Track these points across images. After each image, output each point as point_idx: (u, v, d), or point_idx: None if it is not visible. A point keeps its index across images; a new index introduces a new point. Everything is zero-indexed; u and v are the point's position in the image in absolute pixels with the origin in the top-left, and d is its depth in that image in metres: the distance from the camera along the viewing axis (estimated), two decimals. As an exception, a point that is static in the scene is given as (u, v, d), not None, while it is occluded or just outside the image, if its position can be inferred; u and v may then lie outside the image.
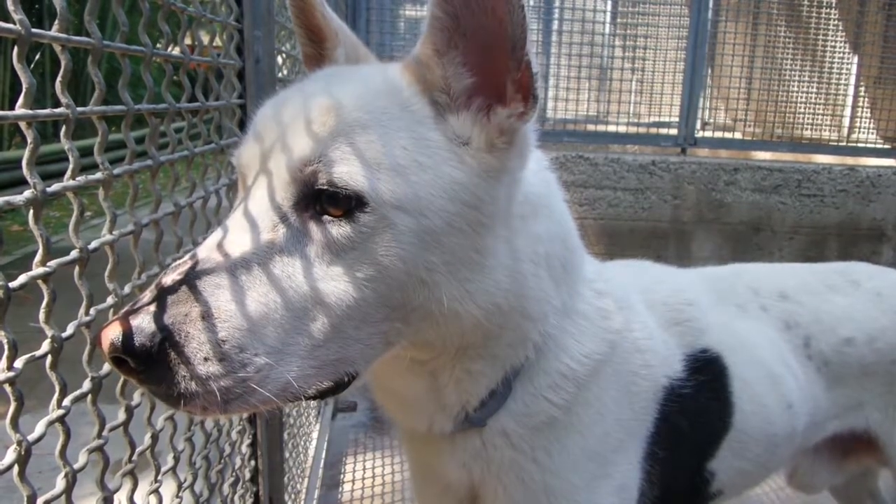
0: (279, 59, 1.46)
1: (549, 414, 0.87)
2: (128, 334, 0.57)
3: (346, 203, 0.65)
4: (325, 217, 0.66)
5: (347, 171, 0.65)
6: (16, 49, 0.50)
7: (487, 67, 0.71)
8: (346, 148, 0.66)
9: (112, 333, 0.57)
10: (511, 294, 0.77)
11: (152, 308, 0.59)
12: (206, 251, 0.65)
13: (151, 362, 0.58)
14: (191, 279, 0.62)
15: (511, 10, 0.66)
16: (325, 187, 0.65)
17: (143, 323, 0.58)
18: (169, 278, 0.62)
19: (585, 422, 0.90)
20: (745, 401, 1.06)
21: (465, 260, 0.71)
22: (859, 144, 4.28)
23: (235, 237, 0.66)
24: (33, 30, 0.51)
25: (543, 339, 0.84)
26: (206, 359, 0.60)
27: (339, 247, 0.66)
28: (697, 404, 0.99)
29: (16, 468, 0.53)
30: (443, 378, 0.84)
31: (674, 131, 4.00)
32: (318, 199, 0.66)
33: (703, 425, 1.03)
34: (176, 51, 0.88)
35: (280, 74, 1.47)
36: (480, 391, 0.84)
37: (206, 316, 0.60)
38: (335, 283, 0.66)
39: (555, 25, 4.19)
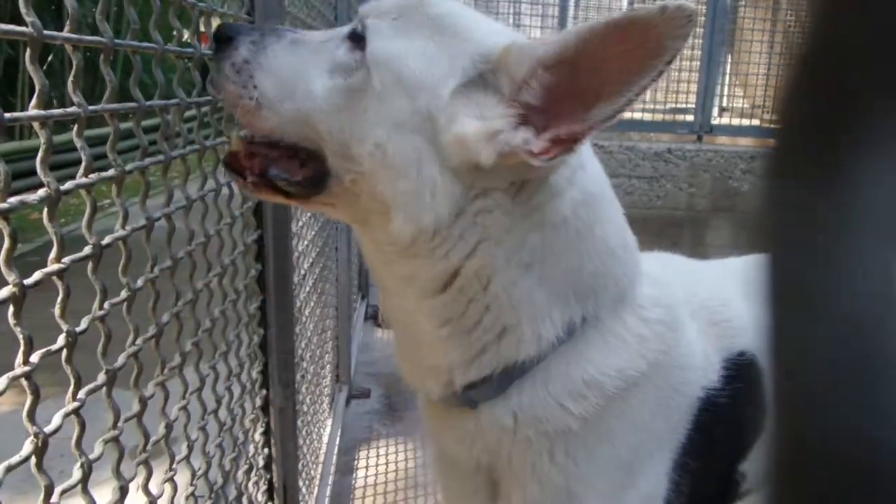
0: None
1: (565, 423, 0.86)
2: (228, 25, 0.88)
3: (360, 44, 0.80)
4: (347, 48, 0.82)
5: (375, 24, 0.80)
6: (28, 51, 0.51)
7: (556, 107, 0.74)
8: (400, 21, 0.80)
9: (223, 25, 0.88)
10: (473, 277, 0.81)
11: (245, 25, 0.96)
12: (297, 29, 0.91)
13: (220, 48, 0.83)
14: (274, 29, 0.88)
15: (613, 98, 0.71)
16: (362, 30, 0.81)
17: (235, 26, 0.87)
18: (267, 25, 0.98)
19: (618, 432, 0.89)
20: None
21: (413, 170, 0.77)
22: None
23: (318, 33, 0.90)
24: (45, 31, 0.52)
25: (550, 343, 0.84)
26: (232, 64, 0.82)
27: (339, 69, 0.80)
28: (733, 411, 0.97)
29: (33, 459, 0.54)
30: (424, 332, 0.87)
31: (690, 118, 3.97)
32: (355, 36, 0.82)
33: (737, 431, 1.00)
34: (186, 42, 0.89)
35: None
36: (465, 366, 0.86)
37: (255, 45, 0.83)
38: (319, 88, 0.80)
39: (571, 11, 4.16)
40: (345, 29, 0.85)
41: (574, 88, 0.72)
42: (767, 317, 0.12)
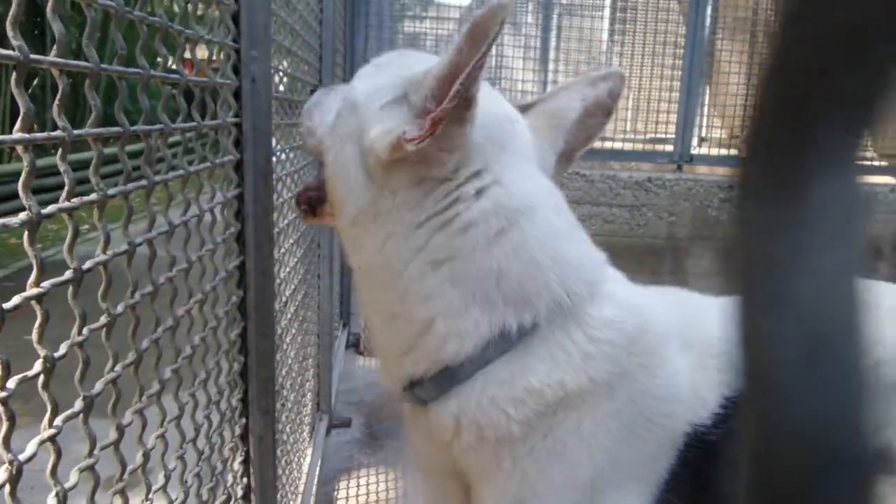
0: (276, 78, 1.48)
1: (508, 428, 0.91)
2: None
3: None
4: None
5: (357, 76, 1.06)
6: (14, 74, 0.51)
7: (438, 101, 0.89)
8: (370, 72, 1.05)
9: None
10: (376, 256, 0.95)
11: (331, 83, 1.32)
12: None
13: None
14: (335, 86, 1.14)
15: (462, 78, 0.85)
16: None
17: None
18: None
19: (571, 450, 0.91)
20: None
21: (349, 173, 0.97)
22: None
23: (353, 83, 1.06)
24: (32, 56, 0.52)
25: (484, 349, 0.91)
26: (307, 108, 1.11)
27: (342, 101, 1.03)
28: (728, 449, 0.96)
29: (7, 487, 0.53)
30: (382, 335, 1.01)
31: (670, 148, 4.03)
32: None
33: (734, 469, 0.99)
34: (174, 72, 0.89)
35: (276, 92, 1.48)
36: (409, 366, 0.96)
37: (320, 95, 1.13)
38: (333, 113, 1.04)
39: (553, 42, 4.23)
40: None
41: (447, 82, 0.87)
42: (738, 317, 0.13)
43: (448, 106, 0.86)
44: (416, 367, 0.95)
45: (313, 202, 1.08)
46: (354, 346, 3.72)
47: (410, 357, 0.95)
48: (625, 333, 0.95)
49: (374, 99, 0.96)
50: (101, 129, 0.65)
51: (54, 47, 0.57)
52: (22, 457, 0.55)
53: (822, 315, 0.12)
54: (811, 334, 0.12)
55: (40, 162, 0.62)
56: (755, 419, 0.13)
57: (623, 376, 0.93)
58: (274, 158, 1.31)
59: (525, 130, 1.03)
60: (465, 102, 0.86)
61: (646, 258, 3.72)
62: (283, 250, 1.59)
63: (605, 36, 4.37)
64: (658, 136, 4.11)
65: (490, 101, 0.98)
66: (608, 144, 4.03)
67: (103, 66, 0.64)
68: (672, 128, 4.01)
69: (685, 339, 1.01)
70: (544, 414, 0.90)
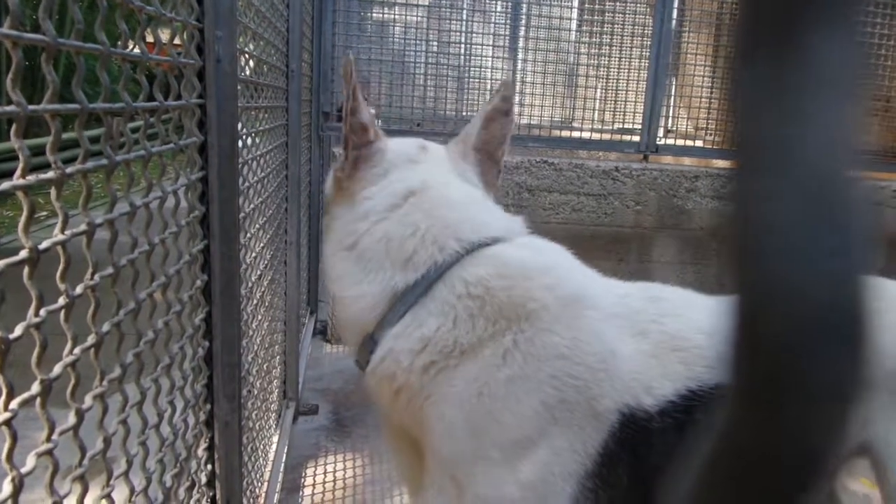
0: (241, 60, 1.45)
1: (407, 379, 1.05)
2: None
3: None
4: None
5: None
6: (-36, 45, 0.50)
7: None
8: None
9: None
10: (328, 264, 1.20)
11: None
12: None
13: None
14: None
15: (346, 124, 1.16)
16: None
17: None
18: None
19: (469, 399, 0.99)
20: None
21: (331, 219, 1.25)
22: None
23: None
24: (-18, 26, 0.50)
25: (391, 314, 1.08)
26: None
27: None
28: (676, 440, 0.96)
29: (-41, 473, 0.52)
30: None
31: (637, 138, 4.07)
32: None
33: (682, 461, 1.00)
34: (135, 49, 0.87)
35: (242, 75, 1.46)
36: (344, 335, 1.21)
37: None
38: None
39: (522, 31, 4.23)
40: None
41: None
42: (736, 178, 0.13)
43: (349, 132, 1.15)
44: (353, 339, 1.15)
45: None
46: (322, 333, 3.70)
47: (347, 331, 1.17)
48: (493, 293, 1.05)
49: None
50: (58, 106, 0.63)
51: (7, 19, 0.55)
52: (-24, 441, 0.53)
53: (821, 173, 0.12)
54: (809, 193, 0.12)
55: (-5, 141, 0.60)
56: (748, 282, 0.13)
57: (501, 332, 1.01)
58: (240, 142, 1.29)
59: (440, 152, 1.27)
60: (363, 129, 1.16)
61: (612, 246, 3.76)
62: (248, 235, 1.57)
63: (574, 26, 4.38)
64: (625, 126, 4.14)
65: (399, 141, 1.25)
66: (576, 133, 4.06)
67: (60, 40, 0.62)
68: (639, 118, 4.04)
69: (638, 328, 1.03)
70: (441, 364, 1.02)
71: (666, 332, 1.03)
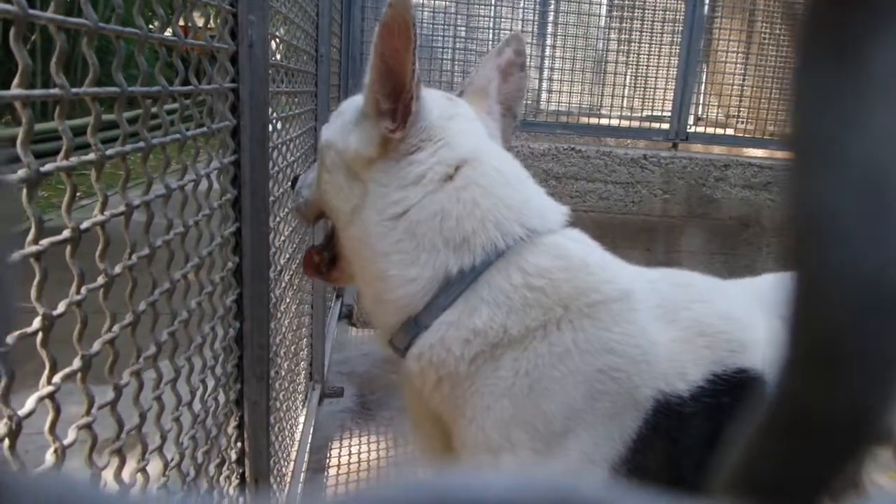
0: (273, 45, 1.47)
1: (456, 368, 1.01)
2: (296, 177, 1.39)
3: None
4: None
5: (325, 127, 1.20)
6: (13, 29, 0.51)
7: (393, 99, 1.05)
8: (332, 121, 1.19)
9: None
10: (361, 227, 1.09)
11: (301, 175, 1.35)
12: None
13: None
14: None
15: (405, 69, 1.00)
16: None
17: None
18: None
19: (516, 391, 0.98)
20: None
21: (340, 187, 1.12)
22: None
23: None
24: (30, 11, 0.51)
25: (440, 298, 1.03)
26: (296, 192, 1.29)
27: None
28: (708, 426, 0.97)
29: (6, 441, 0.54)
30: (362, 300, 1.23)
31: (666, 126, 4.02)
32: None
33: (714, 446, 1.00)
34: (169, 32, 0.88)
35: (273, 59, 1.47)
36: (377, 314, 1.12)
37: (303, 177, 1.31)
38: (315, 180, 1.22)
39: (550, 17, 4.19)
40: None
41: (394, 80, 1.02)
42: (795, 173, 0.15)
43: (412, 89, 1.02)
44: (390, 321, 1.08)
45: (326, 259, 1.26)
46: (347, 317, 3.74)
47: (384, 312, 1.09)
48: (556, 286, 1.02)
49: (343, 132, 1.13)
50: (98, 89, 0.64)
51: (51, 3, 0.57)
52: (21, 412, 0.55)
53: (875, 169, 0.14)
54: (868, 182, 0.14)
55: (37, 126, 0.61)
56: (808, 266, 0.15)
57: (557, 325, 1.00)
58: (270, 126, 1.30)
59: (465, 105, 1.18)
60: (419, 79, 1.04)
61: (640, 235, 3.73)
62: (278, 219, 1.59)
63: (604, 12, 4.34)
64: (654, 113, 4.10)
65: (430, 92, 1.16)
66: (604, 121, 4.02)
67: (101, 24, 0.64)
68: (668, 105, 4.00)
69: (670, 315, 1.04)
70: (487, 354, 1.00)
71: (694, 318, 1.04)
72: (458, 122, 1.12)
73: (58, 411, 0.61)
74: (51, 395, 0.59)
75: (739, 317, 1.06)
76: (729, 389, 0.98)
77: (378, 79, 1.03)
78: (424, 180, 1.05)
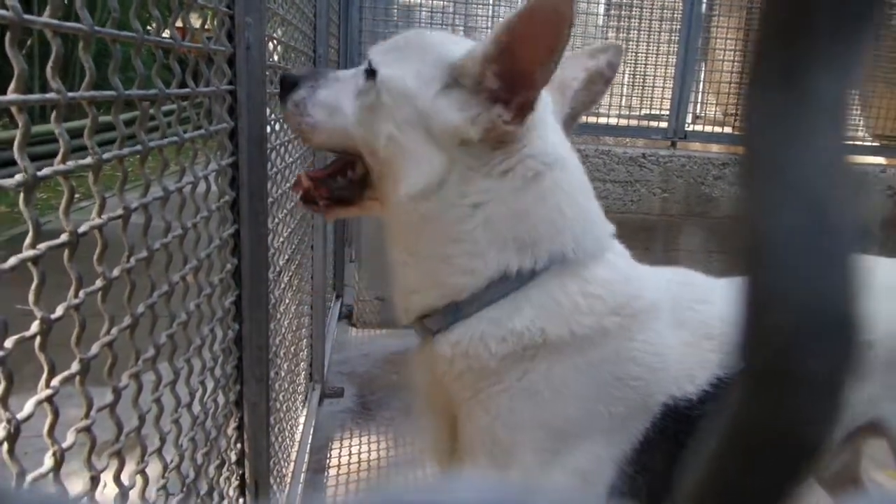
0: (270, 46, 1.47)
1: (486, 363, 1.00)
2: (288, 74, 1.19)
3: (372, 74, 1.07)
4: (365, 78, 1.09)
5: (379, 60, 1.08)
6: (8, 34, 0.51)
7: (508, 85, 0.97)
8: (394, 53, 1.08)
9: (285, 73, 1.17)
10: (434, 205, 1.02)
11: (304, 72, 1.19)
12: (332, 71, 1.20)
13: (283, 90, 1.15)
14: (320, 74, 1.18)
15: (544, 71, 0.93)
16: (372, 64, 1.08)
17: (295, 73, 1.19)
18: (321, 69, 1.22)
19: (542, 394, 0.98)
20: None
21: (415, 151, 1.02)
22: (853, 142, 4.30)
23: (344, 72, 1.17)
24: (25, 16, 0.51)
25: (488, 287, 1.00)
26: (295, 103, 1.13)
27: (359, 93, 1.09)
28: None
29: (5, 445, 0.54)
30: (394, 263, 1.10)
31: (664, 124, 4.02)
32: (369, 69, 1.08)
33: None
34: (166, 34, 0.88)
35: (270, 61, 1.47)
36: (421, 299, 1.07)
37: (311, 87, 1.13)
38: (349, 108, 1.10)
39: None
40: (362, 66, 1.12)
41: (518, 66, 0.95)
42: (743, 189, 0.16)
43: (541, 87, 0.96)
44: (433, 301, 1.05)
45: (340, 192, 1.15)
46: (347, 317, 3.74)
47: (431, 292, 1.05)
48: (614, 296, 1.02)
49: (423, 87, 1.03)
50: (95, 93, 0.65)
51: (47, 8, 0.57)
52: (20, 416, 0.55)
53: (819, 188, 0.15)
54: (808, 205, 0.15)
55: (35, 129, 0.61)
56: (754, 282, 0.16)
57: (602, 334, 1.00)
58: (268, 128, 1.31)
59: (548, 98, 1.11)
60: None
61: (638, 234, 3.73)
62: (276, 220, 1.59)
63: (602, 10, 4.34)
64: (653, 112, 4.10)
65: None
66: (602, 120, 4.02)
67: (97, 28, 0.64)
68: (667, 104, 4.00)
69: (678, 317, 1.05)
70: (521, 356, 0.99)
71: (700, 320, 1.05)
72: (549, 117, 1.09)
73: (56, 414, 0.61)
74: (49, 399, 0.59)
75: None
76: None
77: (498, 57, 0.96)
78: (513, 175, 1.01)
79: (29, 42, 7.80)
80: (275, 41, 1.58)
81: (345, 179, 1.13)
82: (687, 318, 1.05)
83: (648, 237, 3.78)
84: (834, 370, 0.15)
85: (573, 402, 0.98)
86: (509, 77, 0.97)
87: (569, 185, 1.05)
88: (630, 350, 1.00)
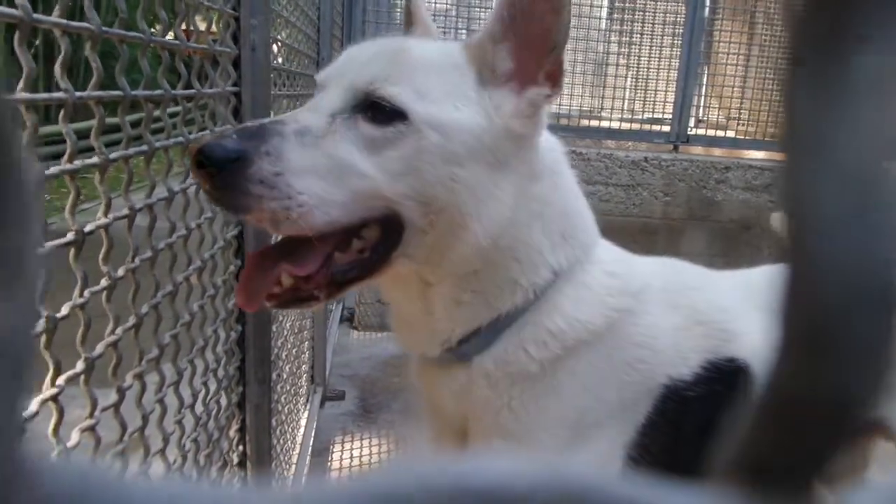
0: (274, 48, 1.47)
1: (526, 367, 0.96)
2: (214, 145, 0.78)
3: (391, 114, 0.86)
4: (374, 121, 0.87)
5: (398, 92, 0.87)
6: (17, 33, 0.51)
7: (526, 58, 0.91)
8: (404, 77, 0.88)
9: (203, 142, 0.79)
10: (507, 232, 0.93)
11: (234, 137, 0.81)
12: (281, 117, 0.88)
13: (223, 171, 0.78)
14: (266, 128, 0.83)
15: (559, 24, 0.88)
16: (379, 100, 0.87)
17: (226, 143, 0.79)
18: (250, 123, 0.85)
19: (567, 390, 0.97)
20: None
21: (482, 183, 0.90)
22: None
23: (304, 115, 0.88)
24: (34, 15, 0.52)
25: (535, 291, 0.96)
26: (261, 181, 0.79)
27: (378, 143, 0.86)
28: (704, 411, 1.00)
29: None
30: (438, 303, 0.97)
31: (667, 128, 4.02)
32: (372, 108, 0.87)
33: (708, 431, 1.03)
34: (171, 37, 0.89)
35: (275, 63, 1.48)
36: (465, 324, 0.97)
37: (270, 153, 0.80)
38: (371, 167, 0.86)
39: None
40: (327, 103, 0.88)
41: (531, 32, 0.90)
42: (784, 170, 0.16)
43: (561, 45, 0.89)
44: (478, 323, 0.96)
45: (350, 272, 0.91)
46: (349, 320, 3.74)
47: (480, 315, 0.96)
48: (626, 276, 1.03)
49: (465, 108, 0.91)
50: (102, 93, 0.65)
51: (56, 8, 0.57)
52: (25, 414, 0.55)
53: (865, 162, 0.15)
54: (854, 179, 0.15)
55: (42, 129, 0.62)
56: (801, 256, 0.16)
57: (618, 318, 1.00)
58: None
59: None
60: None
61: (640, 237, 3.73)
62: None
63: (605, 14, 4.34)
64: (655, 116, 4.10)
65: None
66: (605, 123, 4.03)
67: (104, 28, 0.64)
68: (669, 108, 4.00)
69: (670, 300, 1.06)
70: (559, 355, 0.96)
71: (691, 305, 1.06)
72: None
73: (61, 414, 0.61)
74: (54, 398, 0.59)
75: (730, 307, 1.08)
76: (721, 377, 1.01)
77: (506, 32, 0.91)
78: (546, 171, 0.98)
79: (37, 42, 7.82)
80: (279, 43, 1.59)
81: (353, 254, 0.90)
82: (679, 302, 1.06)
83: (650, 241, 3.77)
84: (878, 338, 0.16)
85: (591, 392, 0.98)
86: (525, 49, 0.91)
87: (570, 183, 1.04)
88: (635, 334, 1.00)
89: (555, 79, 0.92)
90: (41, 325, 0.58)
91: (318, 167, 0.83)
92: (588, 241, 1.02)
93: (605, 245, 1.06)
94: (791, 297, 0.16)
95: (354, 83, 0.88)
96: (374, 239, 0.90)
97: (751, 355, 1.03)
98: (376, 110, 0.87)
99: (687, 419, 0.99)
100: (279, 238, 0.96)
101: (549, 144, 1.02)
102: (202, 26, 1.00)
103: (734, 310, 1.08)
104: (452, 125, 0.88)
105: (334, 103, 0.88)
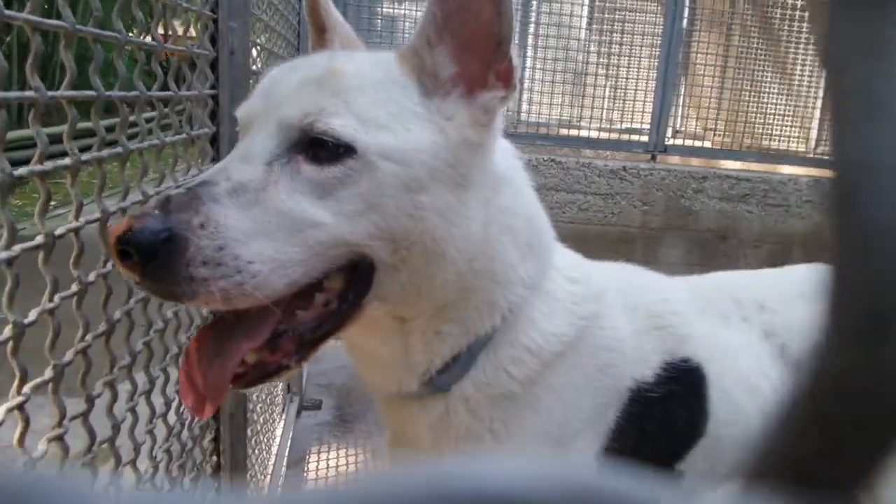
0: (254, 52, 1.45)
1: (508, 388, 0.92)
2: (136, 230, 0.66)
3: (335, 150, 0.77)
4: (317, 161, 0.77)
5: (341, 124, 0.76)
6: (-15, 30, 0.50)
7: (470, 59, 0.84)
8: (341, 105, 0.77)
9: (121, 228, 0.66)
10: (482, 252, 0.87)
11: (157, 212, 0.68)
12: (208, 175, 0.76)
13: (154, 258, 0.67)
14: (193, 194, 0.72)
15: (500, 16, 0.80)
16: (320, 136, 0.76)
17: (150, 223, 0.67)
18: (174, 191, 0.73)
19: (545, 404, 0.95)
20: (723, 410, 1.07)
21: (449, 205, 0.82)
22: (825, 156, 4.36)
23: (236, 167, 0.76)
24: (6, 11, 0.50)
25: (511, 309, 0.91)
26: (204, 262, 0.69)
27: (328, 185, 0.77)
28: (666, 411, 1.01)
29: (-28, 455, 0.52)
30: (414, 337, 0.90)
31: (645, 138, 4.06)
32: (312, 146, 0.77)
33: (671, 431, 1.04)
34: (149, 39, 0.87)
35: (254, 66, 1.46)
36: (445, 354, 0.91)
37: (205, 225, 0.70)
38: (325, 213, 0.76)
39: (531, 29, 4.22)
40: (259, 148, 0.78)
41: (469, 29, 0.82)
42: (833, 133, 0.14)
43: (508, 38, 0.82)
44: (457, 350, 0.91)
45: (316, 332, 0.84)
46: (326, 328, 3.70)
47: (458, 342, 0.91)
48: (593, 280, 1.01)
49: (418, 127, 0.82)
50: (75, 93, 0.63)
51: (28, 4, 0.55)
52: (-11, 424, 0.54)
53: None
54: None
55: (12, 133, 0.60)
56: (850, 228, 0.14)
57: (590, 326, 0.98)
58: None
59: None
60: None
61: (618, 246, 3.75)
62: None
63: (584, 24, 4.37)
64: (633, 125, 4.13)
65: None
66: (584, 133, 4.05)
67: (78, 26, 0.62)
68: (647, 118, 4.03)
69: (628, 302, 1.06)
70: (539, 371, 0.93)
71: (647, 308, 1.06)
72: None
73: (27, 422, 0.59)
74: (20, 406, 0.57)
75: (681, 311, 1.09)
76: (678, 377, 1.02)
77: (441, 33, 0.83)
78: (506, 177, 0.93)
79: (8, 39, 7.69)
80: (258, 47, 1.57)
81: (318, 308, 0.83)
82: (635, 303, 1.06)
83: (628, 249, 3.79)
84: None
85: (569, 404, 0.97)
86: (467, 49, 0.83)
87: (529, 191, 0.99)
88: (602, 338, 1.00)
89: (507, 78, 0.84)
90: (8, 330, 0.56)
91: (264, 227, 0.74)
92: (549, 246, 1.00)
93: (558, 248, 1.04)
94: (842, 281, 0.14)
95: (286, 119, 0.77)
96: (338, 288, 0.82)
97: (702, 356, 1.05)
98: (318, 148, 0.77)
99: (650, 420, 1.00)
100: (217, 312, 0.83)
101: (503, 150, 0.96)
102: (180, 30, 0.99)
103: (685, 314, 1.09)
104: (407, 150, 0.80)
105: (267, 147, 0.77)
